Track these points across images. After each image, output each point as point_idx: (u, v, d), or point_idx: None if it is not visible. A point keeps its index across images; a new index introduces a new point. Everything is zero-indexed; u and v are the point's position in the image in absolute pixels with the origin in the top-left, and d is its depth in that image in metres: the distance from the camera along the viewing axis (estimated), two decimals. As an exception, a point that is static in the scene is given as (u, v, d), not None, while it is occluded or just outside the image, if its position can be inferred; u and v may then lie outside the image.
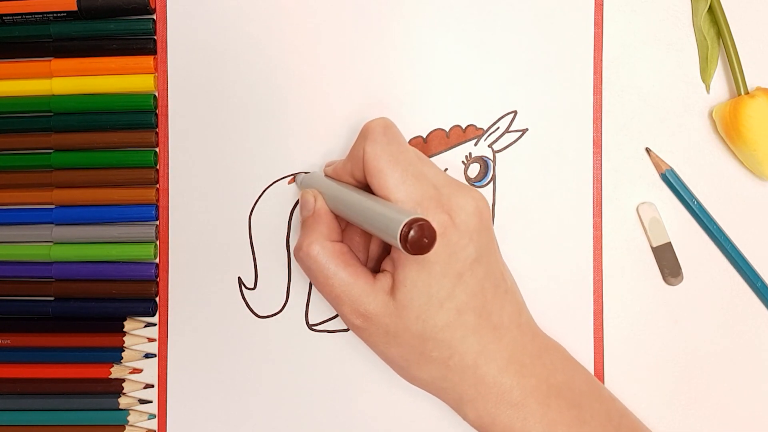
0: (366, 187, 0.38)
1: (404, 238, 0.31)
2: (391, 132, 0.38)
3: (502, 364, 0.37)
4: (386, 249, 0.39)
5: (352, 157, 0.38)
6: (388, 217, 0.33)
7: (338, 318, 0.43)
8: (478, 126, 0.43)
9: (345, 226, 0.40)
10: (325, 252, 0.37)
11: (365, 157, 0.37)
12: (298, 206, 0.41)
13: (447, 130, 0.43)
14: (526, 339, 0.38)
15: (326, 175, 0.41)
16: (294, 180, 0.43)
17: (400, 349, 0.37)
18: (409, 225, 0.31)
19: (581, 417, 0.37)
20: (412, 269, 0.35)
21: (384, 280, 0.37)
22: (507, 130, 0.43)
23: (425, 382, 0.38)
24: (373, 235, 0.38)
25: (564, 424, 0.36)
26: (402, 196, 0.35)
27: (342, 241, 0.39)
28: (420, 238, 0.31)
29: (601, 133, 0.43)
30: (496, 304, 0.37)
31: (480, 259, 0.36)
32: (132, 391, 0.43)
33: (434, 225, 0.34)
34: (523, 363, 0.37)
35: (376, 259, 0.40)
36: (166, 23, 0.43)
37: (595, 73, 0.43)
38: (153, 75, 0.43)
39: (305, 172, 0.43)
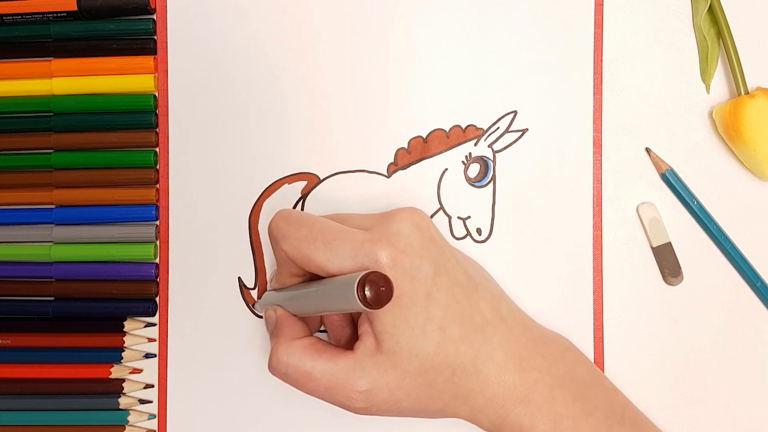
0: (312, 276, 0.38)
1: (365, 300, 0.31)
2: (293, 218, 0.37)
3: (500, 362, 0.37)
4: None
5: (280, 262, 0.39)
6: (341, 292, 0.33)
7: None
8: (478, 126, 0.43)
9: (320, 318, 0.41)
10: (293, 351, 0.37)
11: (288, 255, 0.37)
12: (266, 327, 0.41)
13: (447, 130, 0.43)
14: (516, 331, 0.38)
15: (275, 289, 0.41)
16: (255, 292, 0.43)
17: (410, 396, 0.36)
18: (362, 287, 0.31)
19: (586, 408, 0.37)
20: (385, 314, 0.35)
21: (364, 343, 0.36)
22: (507, 130, 0.43)
23: (442, 411, 0.37)
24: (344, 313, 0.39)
25: (569, 417, 0.37)
26: (338, 262, 0.35)
27: (309, 336, 0.38)
28: (377, 291, 0.31)
29: (601, 133, 0.43)
30: (472, 305, 0.37)
31: (439, 271, 0.36)
32: (132, 391, 0.43)
33: (382, 261, 0.34)
34: (521, 356, 0.37)
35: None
36: (166, 23, 0.43)
37: (595, 73, 0.43)
38: (153, 75, 0.43)
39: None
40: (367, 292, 0.31)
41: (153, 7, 0.43)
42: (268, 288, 0.43)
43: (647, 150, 0.43)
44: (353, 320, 0.40)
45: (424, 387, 0.36)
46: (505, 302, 0.39)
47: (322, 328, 0.42)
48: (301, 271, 0.38)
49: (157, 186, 0.44)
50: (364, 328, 0.36)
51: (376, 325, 0.35)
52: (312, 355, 0.37)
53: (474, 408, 0.37)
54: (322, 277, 0.37)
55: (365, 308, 0.31)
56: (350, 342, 0.39)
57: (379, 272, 0.32)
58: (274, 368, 0.37)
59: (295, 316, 0.39)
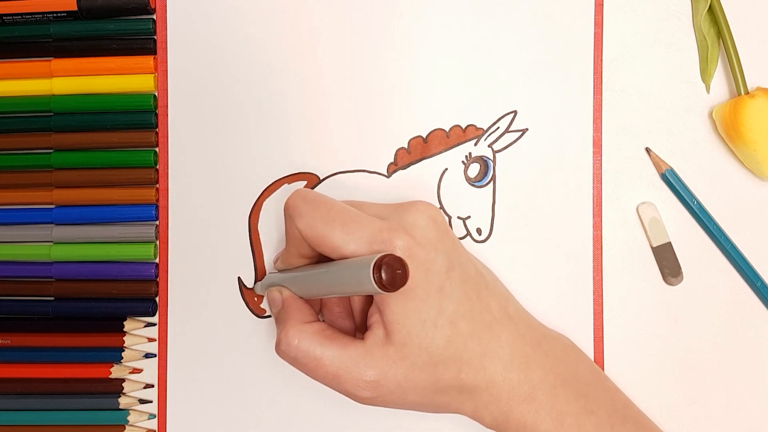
0: (321, 259, 0.38)
1: (380, 282, 0.31)
2: (311, 198, 0.37)
3: (506, 359, 0.37)
4: (368, 302, 0.39)
5: (291, 240, 0.38)
6: (356, 273, 0.33)
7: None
8: (478, 126, 0.43)
9: (320, 306, 0.41)
10: (304, 335, 0.37)
11: (302, 234, 0.37)
12: (269, 308, 0.40)
13: (447, 130, 0.43)
14: (522, 330, 0.38)
15: (279, 270, 0.41)
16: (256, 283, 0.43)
17: (416, 389, 0.36)
18: (378, 269, 0.31)
19: (588, 407, 0.37)
20: (397, 304, 0.35)
21: (374, 333, 0.36)
22: (507, 130, 0.43)
23: (447, 405, 0.37)
24: (353, 296, 0.38)
25: (572, 415, 0.37)
26: (354, 246, 0.35)
27: (318, 320, 0.38)
28: (393, 273, 0.31)
29: (601, 133, 0.43)
30: (482, 302, 0.37)
31: (452, 265, 0.36)
32: (132, 391, 0.43)
33: (398, 250, 0.34)
34: (526, 354, 0.37)
35: (363, 316, 0.39)
36: (166, 23, 0.43)
37: (595, 73, 0.43)
38: (153, 75, 0.43)
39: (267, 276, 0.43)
40: (383, 274, 0.31)
41: (153, 7, 0.43)
42: (271, 269, 0.43)
43: (647, 150, 0.43)
44: (353, 313, 0.40)
45: (432, 381, 0.36)
46: (511, 301, 0.39)
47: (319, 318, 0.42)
48: (310, 252, 0.38)
49: (157, 186, 0.44)
50: (374, 319, 0.36)
51: (387, 315, 0.35)
52: (322, 342, 0.36)
53: (478, 404, 0.37)
54: (331, 260, 0.36)
55: (380, 290, 0.31)
56: (348, 334, 0.39)
57: (395, 255, 0.32)
58: (283, 351, 0.37)
59: (301, 299, 0.39)
